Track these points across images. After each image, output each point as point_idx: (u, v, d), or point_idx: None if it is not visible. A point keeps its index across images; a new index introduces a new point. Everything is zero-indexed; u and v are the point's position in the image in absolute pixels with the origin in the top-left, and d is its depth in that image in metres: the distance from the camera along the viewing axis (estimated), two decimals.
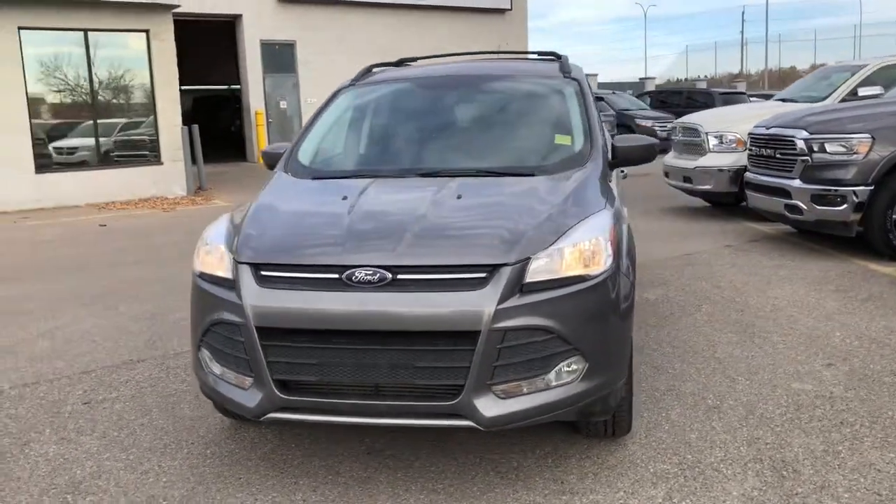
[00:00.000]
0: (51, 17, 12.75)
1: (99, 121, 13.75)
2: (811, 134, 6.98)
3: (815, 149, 6.92)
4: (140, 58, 13.83)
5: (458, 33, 22.10)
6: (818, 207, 6.91)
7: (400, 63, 5.21)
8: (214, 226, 3.50)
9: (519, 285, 2.88)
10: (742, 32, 60.70)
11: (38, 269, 7.86)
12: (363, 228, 3.18)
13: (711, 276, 6.52)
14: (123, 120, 14.15)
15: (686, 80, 54.36)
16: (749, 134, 8.16)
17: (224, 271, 3.16)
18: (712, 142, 9.45)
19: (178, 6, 14.11)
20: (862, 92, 9.00)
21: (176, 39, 14.21)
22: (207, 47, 24.22)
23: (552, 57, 5.00)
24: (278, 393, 2.94)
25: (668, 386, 4.11)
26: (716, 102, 18.84)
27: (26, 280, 7.35)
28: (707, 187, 9.52)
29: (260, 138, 19.99)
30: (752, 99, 19.73)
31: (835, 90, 9.54)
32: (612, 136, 4.38)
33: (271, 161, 4.33)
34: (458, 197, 3.38)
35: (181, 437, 3.70)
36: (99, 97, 13.76)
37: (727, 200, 9.70)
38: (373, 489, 3.15)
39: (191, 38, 20.11)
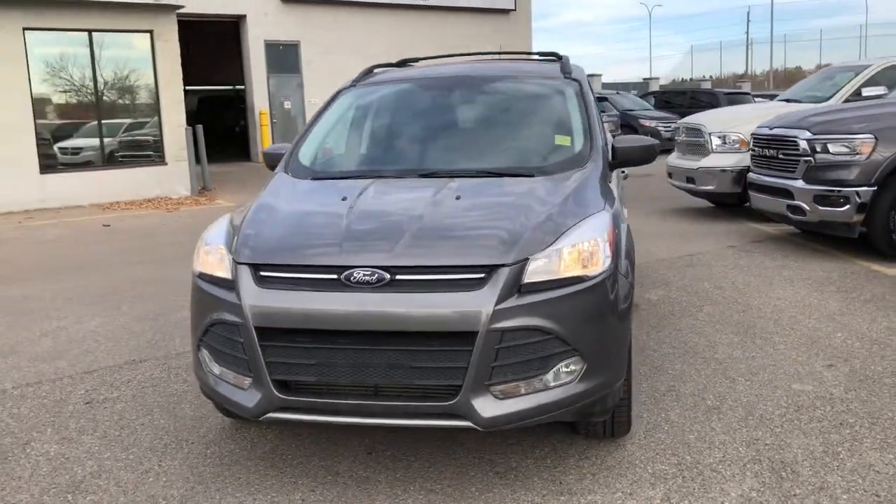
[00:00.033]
0: (55, 17, 12.80)
1: (103, 121, 13.79)
2: (814, 134, 6.97)
3: (818, 149, 6.91)
4: (144, 58, 13.87)
5: (462, 34, 22.11)
6: (821, 208, 6.90)
7: (401, 64, 5.22)
8: (214, 226, 3.51)
9: (517, 286, 2.88)
10: (747, 32, 60.33)
11: (42, 269, 7.89)
12: (362, 229, 3.19)
13: (713, 276, 6.52)
14: (128, 120, 14.19)
15: (691, 80, 54.29)
16: (752, 134, 8.15)
17: (223, 272, 3.17)
18: (715, 142, 9.44)
19: (182, 7, 14.15)
20: (866, 92, 8.98)
21: (180, 40, 14.25)
22: (212, 48, 24.28)
23: (553, 57, 5.00)
24: (277, 393, 2.95)
25: (667, 387, 4.11)
26: (720, 103, 18.83)
27: (30, 280, 7.38)
28: (710, 188, 9.51)
29: (264, 138, 20.03)
30: (756, 99, 19.70)
31: (838, 90, 9.52)
32: (616, 137, 4.38)
33: (272, 162, 4.34)
34: (457, 198, 3.39)
35: (181, 437, 3.71)
36: (103, 98, 13.80)
37: (730, 201, 9.69)
38: (371, 489, 3.15)
39: (195, 38, 20.19)
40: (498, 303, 2.82)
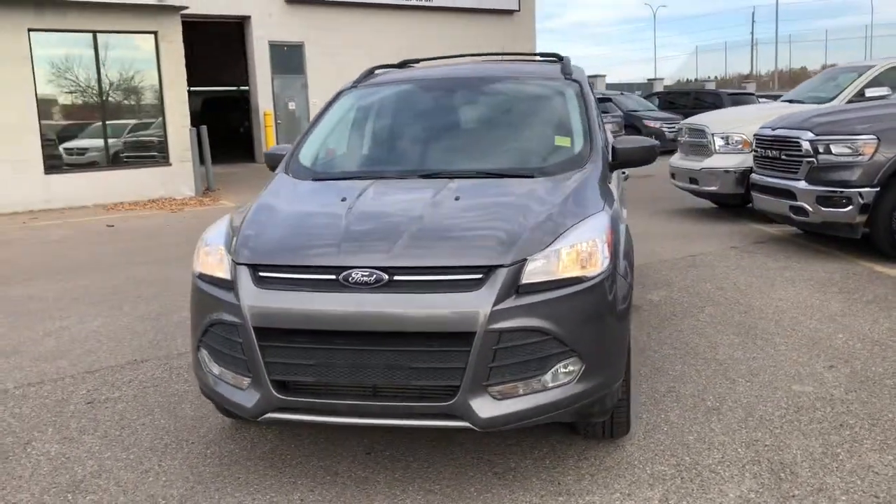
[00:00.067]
0: (59, 18, 12.84)
1: (108, 122, 13.83)
2: (816, 135, 6.96)
3: (821, 150, 6.90)
4: (149, 59, 13.91)
5: (465, 34, 22.12)
6: (823, 209, 6.89)
7: (402, 65, 5.23)
8: (214, 227, 3.52)
9: (515, 286, 2.88)
10: (752, 33, 60.49)
11: (46, 270, 7.92)
12: (360, 230, 3.20)
13: (715, 277, 6.51)
14: (132, 121, 14.23)
15: (696, 80, 54.20)
16: (754, 135, 8.14)
17: (223, 272, 3.18)
18: (718, 143, 9.43)
19: (187, 8, 14.18)
20: (869, 93, 8.96)
21: (185, 41, 14.28)
22: (217, 49, 24.37)
23: (554, 58, 5.01)
24: (276, 393, 2.96)
25: (668, 387, 4.11)
26: (724, 103, 18.78)
27: (34, 280, 7.40)
28: (713, 188, 9.50)
29: (268, 139, 20.07)
30: (760, 100, 19.66)
31: (842, 91, 9.51)
32: (617, 137, 4.38)
33: (273, 162, 4.36)
34: (457, 198, 3.40)
35: (182, 437, 3.72)
36: (108, 99, 13.84)
37: (733, 202, 9.68)
38: (370, 489, 3.16)
39: (200, 39, 20.26)
40: (496, 303, 2.83)
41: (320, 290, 2.94)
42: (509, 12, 23.82)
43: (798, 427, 3.59)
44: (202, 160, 14.56)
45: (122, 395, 4.28)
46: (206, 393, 3.34)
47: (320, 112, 4.62)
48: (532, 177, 3.67)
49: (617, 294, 3.11)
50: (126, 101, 14.18)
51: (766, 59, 58.58)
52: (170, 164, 14.12)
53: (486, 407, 2.85)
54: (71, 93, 13.61)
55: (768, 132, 7.72)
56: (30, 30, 12.64)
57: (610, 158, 4.02)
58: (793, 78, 47.29)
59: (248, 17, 19.87)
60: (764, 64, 59.28)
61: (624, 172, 5.14)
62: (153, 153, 14.27)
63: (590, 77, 30.24)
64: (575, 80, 4.46)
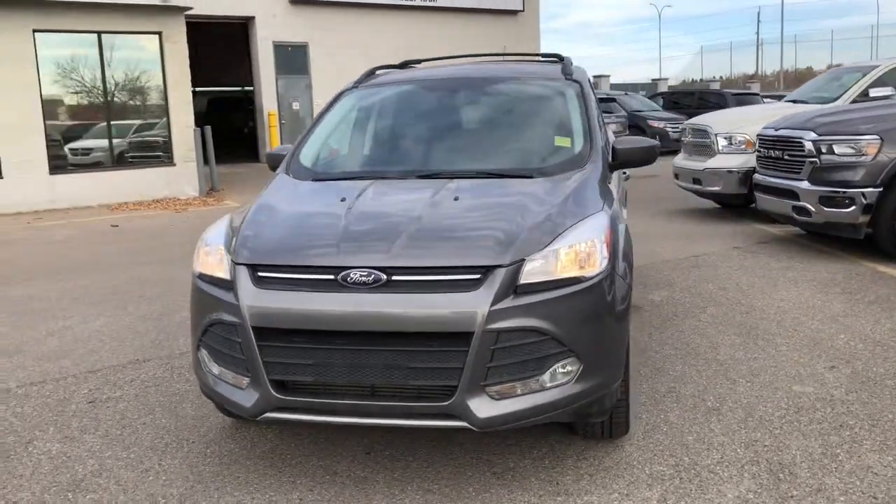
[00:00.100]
0: (64, 19, 12.89)
1: (112, 122, 13.88)
2: (819, 135, 6.95)
3: (824, 150, 6.88)
4: (153, 59, 13.95)
5: (470, 35, 22.13)
6: (826, 209, 6.88)
7: (404, 65, 5.24)
8: (214, 227, 3.53)
9: (513, 287, 2.89)
10: (757, 33, 60.15)
11: (50, 269, 7.95)
12: (359, 230, 3.21)
13: (718, 277, 6.50)
14: (137, 121, 14.29)
15: (701, 80, 54.12)
16: (757, 135, 8.13)
17: (222, 272, 3.19)
18: (721, 143, 9.42)
19: (191, 8, 14.23)
20: (873, 93, 8.95)
21: (190, 41, 14.33)
22: (221, 49, 24.40)
23: (555, 59, 5.01)
24: (274, 393, 2.96)
25: (668, 388, 4.11)
26: (728, 103, 18.76)
27: (38, 280, 7.43)
28: (716, 189, 9.49)
29: (273, 139, 20.11)
30: (765, 100, 19.63)
31: (846, 91, 9.48)
32: (620, 137, 4.38)
33: (274, 163, 4.37)
34: (456, 199, 3.40)
35: (182, 436, 3.73)
36: (113, 99, 13.88)
37: (737, 202, 9.67)
38: (369, 489, 3.17)
39: (205, 40, 20.29)
40: (494, 303, 2.83)
41: (319, 290, 2.95)
42: (513, 12, 23.83)
43: (798, 427, 3.59)
44: (206, 160, 14.59)
45: (123, 395, 4.30)
46: (206, 392, 3.35)
47: (321, 112, 4.63)
48: (532, 177, 3.68)
49: (616, 294, 3.11)
50: (131, 102, 14.23)
51: (772, 60, 58.51)
52: (174, 165, 14.16)
53: (483, 407, 2.85)
54: (76, 93, 13.66)
55: (771, 132, 7.71)
56: (34, 30, 12.69)
57: (610, 159, 4.02)
58: (798, 78, 47.16)
59: (253, 18, 19.91)
60: (769, 64, 59.22)
61: (625, 173, 5.14)
62: (158, 153, 14.31)
63: (594, 77, 30.13)
64: (575, 81, 4.46)
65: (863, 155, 6.68)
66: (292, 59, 20.54)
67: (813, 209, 6.97)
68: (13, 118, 12.56)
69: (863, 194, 6.64)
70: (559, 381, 2.93)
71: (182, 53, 14.06)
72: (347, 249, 3.06)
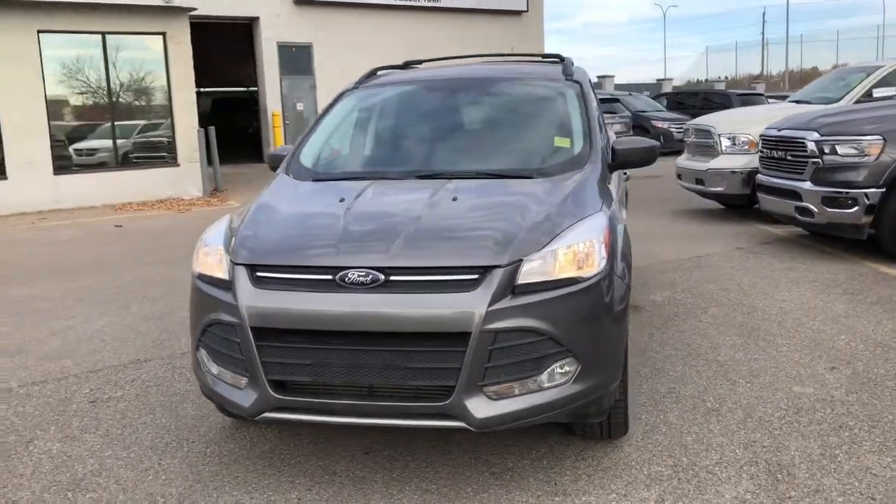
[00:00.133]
0: (68, 20, 12.93)
1: (117, 123, 13.92)
2: (822, 136, 6.94)
3: (826, 151, 6.87)
4: (157, 60, 13.99)
5: (474, 35, 22.12)
6: (829, 210, 6.86)
7: (405, 66, 5.24)
8: (214, 227, 3.55)
9: (511, 287, 2.89)
10: (763, 33, 60.20)
11: (54, 270, 7.97)
12: (358, 230, 3.21)
13: (720, 278, 6.49)
14: (141, 122, 14.33)
15: (706, 81, 54.01)
16: (760, 136, 8.12)
17: (221, 272, 3.20)
18: (725, 143, 9.40)
19: (195, 9, 14.25)
20: (877, 93, 8.93)
21: (194, 42, 14.36)
22: (226, 49, 24.44)
23: (555, 59, 5.01)
24: (273, 393, 2.97)
25: (668, 388, 4.11)
26: (732, 104, 18.73)
27: (42, 280, 7.46)
28: (719, 189, 9.47)
29: (277, 140, 20.12)
30: (770, 100, 19.59)
31: (849, 91, 9.45)
32: (620, 138, 4.37)
33: (275, 163, 4.39)
34: (454, 199, 3.41)
35: (182, 436, 3.74)
36: (117, 99, 13.92)
37: (740, 202, 9.64)
38: (367, 489, 3.17)
39: (209, 40, 20.32)
40: (491, 304, 2.83)
41: (317, 290, 2.96)
42: (518, 13, 23.81)
43: (797, 428, 3.58)
44: (210, 161, 14.63)
45: (124, 395, 4.31)
46: (205, 392, 3.36)
47: (322, 113, 4.65)
48: (531, 177, 3.68)
49: (614, 295, 3.11)
50: (135, 102, 14.28)
51: (778, 60, 58.27)
52: (178, 165, 14.20)
53: (481, 407, 2.85)
54: (80, 94, 13.71)
55: (774, 133, 7.70)
56: (39, 31, 12.74)
57: (610, 159, 4.02)
58: (804, 78, 47.01)
59: (257, 18, 19.93)
60: (775, 64, 59.01)
61: (625, 173, 5.13)
62: (162, 154, 14.35)
63: (598, 77, 30.04)
64: (576, 81, 4.46)
65: (865, 155, 6.66)
66: (296, 59, 20.55)
67: (816, 210, 6.96)
68: (18, 118, 12.60)
69: (865, 195, 6.62)
70: (557, 381, 2.94)
71: (186, 54, 14.10)
72: (346, 250, 3.07)
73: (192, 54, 14.25)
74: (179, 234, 10.15)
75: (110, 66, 13.63)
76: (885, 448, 3.36)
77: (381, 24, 21.33)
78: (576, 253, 3.02)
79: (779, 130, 7.63)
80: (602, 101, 17.46)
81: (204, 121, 14.99)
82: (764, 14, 78.57)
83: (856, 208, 6.69)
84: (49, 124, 13.00)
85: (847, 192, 6.72)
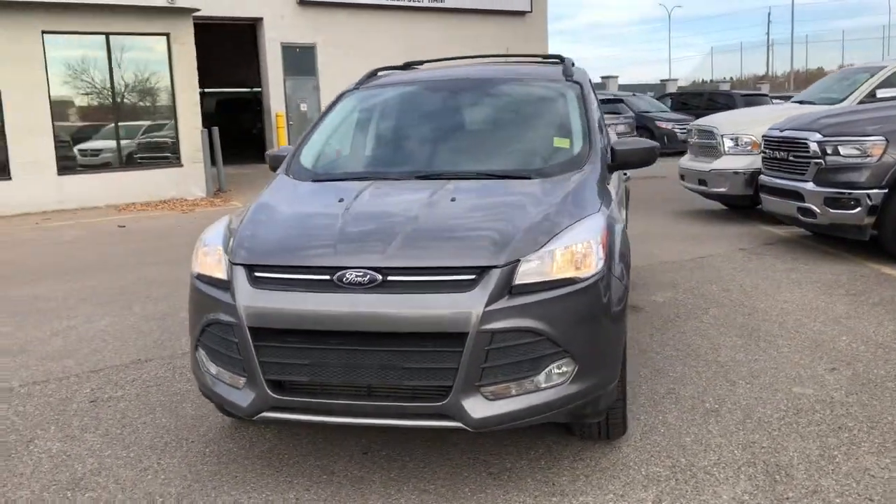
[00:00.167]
0: (73, 21, 12.98)
1: (121, 123, 13.96)
2: (825, 136, 6.92)
3: (829, 151, 6.86)
4: (161, 61, 14.03)
5: (477, 35, 22.12)
6: (831, 211, 6.85)
7: (405, 66, 5.25)
8: (213, 227, 3.56)
9: (508, 287, 2.89)
10: (768, 33, 59.86)
11: (58, 270, 8.00)
12: (356, 230, 3.22)
13: (721, 279, 6.48)
14: (145, 122, 14.38)
15: (711, 81, 53.91)
16: (763, 136, 8.11)
17: (220, 272, 3.21)
18: (727, 144, 9.39)
19: (199, 10, 14.29)
20: (881, 94, 8.91)
21: (198, 43, 14.39)
22: (229, 50, 24.49)
23: (556, 60, 5.01)
24: (270, 393, 2.98)
25: (667, 389, 4.10)
26: (737, 104, 18.69)
27: (45, 280, 7.48)
28: (722, 190, 9.46)
29: (280, 140, 20.15)
30: (774, 101, 19.54)
31: (853, 92, 9.43)
32: (620, 139, 4.37)
33: (275, 164, 4.40)
34: (453, 199, 3.41)
35: (182, 436, 3.75)
36: (121, 100, 13.96)
37: (742, 203, 9.63)
38: (365, 489, 3.18)
39: (213, 41, 20.35)
40: (488, 304, 2.84)
41: (315, 290, 2.97)
42: (521, 13, 23.80)
43: (796, 429, 3.58)
44: (214, 161, 14.66)
45: (124, 394, 4.32)
46: (204, 392, 3.37)
47: (323, 113, 4.66)
48: (530, 178, 3.68)
49: (612, 295, 3.11)
50: (139, 103, 14.32)
51: (783, 60, 58.09)
52: (182, 166, 14.24)
53: (478, 407, 2.86)
54: (84, 94, 13.76)
55: (776, 133, 7.69)
56: (43, 32, 12.79)
57: (609, 160, 4.02)
58: (809, 79, 46.87)
59: (261, 19, 19.97)
60: (780, 65, 58.84)
61: (625, 174, 5.13)
62: (165, 154, 14.40)
63: (602, 78, 29.95)
64: (576, 82, 4.47)
65: (868, 156, 6.65)
66: (300, 60, 20.58)
67: (818, 210, 6.95)
68: (22, 119, 12.66)
69: (868, 196, 6.61)
70: (554, 381, 2.94)
71: (190, 55, 14.13)
72: (343, 250, 3.08)
73: (196, 55, 14.29)
74: (183, 234, 10.16)
75: (114, 67, 13.68)
76: (883, 449, 3.36)
77: (384, 25, 21.34)
78: (573, 253, 3.02)
79: (781, 131, 7.62)
80: (605, 101, 17.47)
81: (208, 121, 15.02)
82: (769, 14, 78.20)
83: (858, 209, 6.68)
84: (53, 125, 13.06)
85: (849, 193, 6.71)
